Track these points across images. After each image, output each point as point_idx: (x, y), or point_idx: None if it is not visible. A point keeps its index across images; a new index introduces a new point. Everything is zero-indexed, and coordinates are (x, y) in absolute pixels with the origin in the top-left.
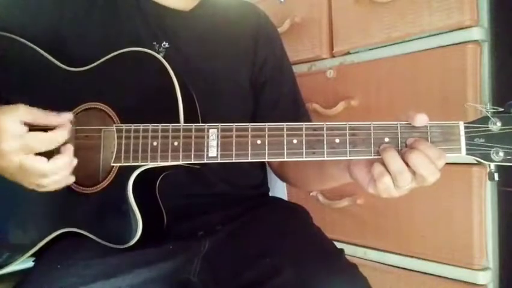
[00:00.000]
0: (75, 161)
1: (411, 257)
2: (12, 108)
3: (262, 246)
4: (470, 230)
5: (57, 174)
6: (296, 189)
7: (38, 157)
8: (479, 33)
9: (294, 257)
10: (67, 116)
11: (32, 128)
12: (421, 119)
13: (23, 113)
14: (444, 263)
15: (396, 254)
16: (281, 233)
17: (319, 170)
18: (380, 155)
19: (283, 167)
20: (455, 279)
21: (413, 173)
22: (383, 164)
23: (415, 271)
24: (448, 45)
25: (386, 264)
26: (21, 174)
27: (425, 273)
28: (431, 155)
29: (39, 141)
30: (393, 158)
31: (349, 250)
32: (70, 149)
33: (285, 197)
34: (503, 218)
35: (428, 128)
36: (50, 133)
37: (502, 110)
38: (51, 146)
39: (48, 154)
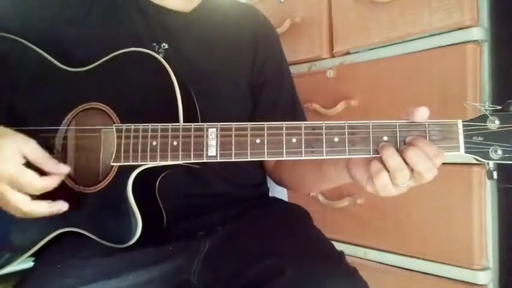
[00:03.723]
0: (64, 207)
1: (411, 257)
2: (23, 139)
3: (262, 247)
4: (470, 230)
5: (34, 215)
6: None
7: (21, 195)
8: (479, 33)
9: (294, 258)
10: (65, 169)
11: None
12: (421, 113)
13: (30, 148)
14: (444, 263)
15: (396, 254)
16: (281, 233)
17: (316, 171)
18: (378, 154)
19: (279, 169)
20: (455, 279)
21: (411, 170)
22: (381, 161)
23: (415, 271)
24: (447, 45)
25: (386, 264)
26: (1, 201)
27: (425, 273)
28: (429, 152)
29: (30, 183)
30: (391, 155)
31: (349, 250)
32: (59, 204)
33: (285, 197)
34: (503, 217)
35: (427, 126)
36: (42, 179)
37: (500, 108)
38: (37, 193)
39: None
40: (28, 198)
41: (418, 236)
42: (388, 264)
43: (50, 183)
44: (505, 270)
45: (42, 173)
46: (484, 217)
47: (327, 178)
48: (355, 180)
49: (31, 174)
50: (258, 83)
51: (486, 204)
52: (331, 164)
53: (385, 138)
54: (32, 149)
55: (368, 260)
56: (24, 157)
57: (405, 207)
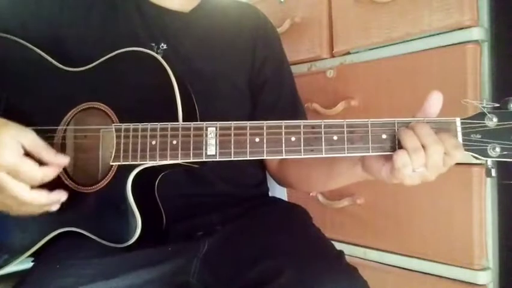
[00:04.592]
0: (63, 197)
1: (411, 257)
2: (21, 129)
3: (262, 247)
4: (470, 229)
5: (35, 206)
6: (296, 190)
7: (20, 184)
8: (479, 33)
9: (294, 258)
10: (64, 160)
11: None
12: (435, 97)
13: (29, 138)
14: (444, 263)
15: (396, 254)
16: (281, 233)
17: (326, 168)
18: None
19: (285, 168)
20: (455, 279)
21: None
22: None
23: (415, 271)
24: (447, 45)
25: (386, 264)
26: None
27: (425, 273)
28: (442, 137)
29: (29, 173)
30: (410, 136)
31: (349, 250)
32: (61, 192)
33: (284, 197)
34: (503, 218)
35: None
36: (40, 169)
37: (498, 105)
38: (35, 184)
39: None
40: (27, 187)
41: (418, 236)
42: (388, 264)
43: (49, 173)
44: (505, 270)
45: (40, 164)
46: (484, 217)
47: (337, 175)
48: (369, 169)
49: (30, 163)
50: (258, 82)
51: (486, 204)
52: (343, 159)
53: (384, 136)
54: (30, 139)
55: (368, 259)
56: (23, 147)
57: (405, 207)
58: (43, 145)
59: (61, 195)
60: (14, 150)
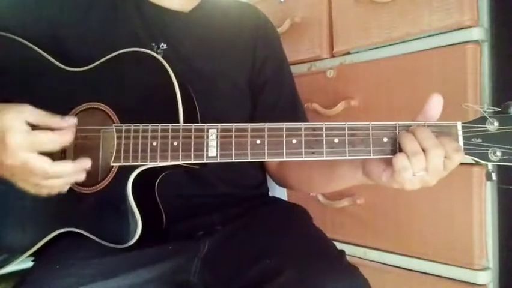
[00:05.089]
0: (88, 164)
1: (411, 257)
2: (18, 108)
3: (262, 247)
4: (470, 230)
5: (61, 178)
6: (295, 191)
7: (45, 157)
8: (479, 33)
9: (294, 257)
10: (72, 120)
11: (35, 128)
12: (437, 99)
13: (29, 113)
14: (444, 263)
15: (396, 254)
16: (281, 233)
17: (328, 170)
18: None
19: (285, 169)
20: (455, 279)
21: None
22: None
23: (415, 271)
24: (447, 45)
25: (386, 264)
26: (23, 174)
27: (425, 273)
28: (443, 141)
29: (48, 139)
30: (410, 140)
31: (349, 250)
32: (84, 160)
33: (284, 197)
34: (503, 218)
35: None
36: (57, 133)
37: (499, 110)
38: (58, 147)
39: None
40: (49, 159)
41: (418, 236)
42: (388, 264)
43: (66, 136)
44: (505, 270)
45: None
46: (484, 217)
47: (337, 178)
48: (369, 173)
49: (43, 132)
50: (258, 82)
51: (486, 204)
52: (344, 162)
53: (385, 139)
54: (31, 112)
55: (368, 259)
56: (28, 123)
57: (405, 207)
58: (46, 114)
59: (86, 163)
60: (23, 128)
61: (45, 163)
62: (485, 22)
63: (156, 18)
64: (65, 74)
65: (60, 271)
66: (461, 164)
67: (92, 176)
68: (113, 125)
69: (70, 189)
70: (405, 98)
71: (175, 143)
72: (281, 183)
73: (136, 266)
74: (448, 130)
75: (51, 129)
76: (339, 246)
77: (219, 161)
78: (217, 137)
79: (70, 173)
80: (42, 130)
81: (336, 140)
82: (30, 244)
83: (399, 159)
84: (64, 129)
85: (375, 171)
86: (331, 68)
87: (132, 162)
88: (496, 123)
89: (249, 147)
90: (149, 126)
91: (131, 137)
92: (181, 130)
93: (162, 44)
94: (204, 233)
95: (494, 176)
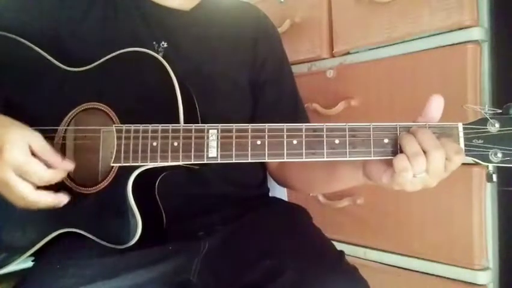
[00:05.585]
0: (65, 200)
1: (411, 257)
2: (29, 130)
3: (262, 247)
4: (470, 230)
5: (37, 206)
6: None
7: (26, 183)
8: (479, 33)
9: (295, 258)
10: (70, 166)
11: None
12: (437, 100)
13: (36, 140)
14: (444, 263)
15: (396, 254)
16: (281, 233)
17: (329, 171)
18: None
19: (284, 169)
20: (455, 279)
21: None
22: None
23: (415, 271)
24: (447, 45)
25: (386, 264)
26: (4, 188)
27: (425, 273)
28: (445, 143)
29: (39, 173)
30: (410, 141)
31: (349, 250)
32: (63, 196)
33: (285, 197)
34: (503, 218)
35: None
36: (49, 171)
37: (500, 111)
38: (41, 184)
39: None
40: (33, 187)
41: (418, 236)
42: (388, 264)
43: (55, 175)
44: (505, 270)
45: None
46: (484, 217)
47: (338, 178)
48: (370, 174)
49: (38, 163)
50: (258, 82)
51: (486, 204)
52: (345, 162)
53: (386, 140)
54: (38, 141)
55: (368, 259)
56: (31, 148)
57: (405, 207)
58: (50, 149)
59: (64, 198)
60: (24, 149)
61: (25, 189)
62: (485, 22)
63: (157, 17)
64: (65, 74)
65: (61, 271)
66: (461, 164)
67: (92, 176)
68: (114, 125)
69: (71, 190)
70: (405, 98)
71: (176, 144)
72: (281, 183)
73: (136, 266)
74: (449, 131)
75: (48, 163)
76: (339, 246)
77: (219, 161)
78: (217, 137)
79: (49, 203)
80: (38, 161)
81: (336, 141)
82: (30, 244)
83: (400, 161)
84: (57, 170)
85: (375, 172)
86: (331, 68)
87: (132, 162)
88: (497, 125)
89: (249, 148)
90: (150, 127)
91: (132, 138)
92: (181, 130)
93: (163, 42)
94: (205, 233)
95: (494, 178)
